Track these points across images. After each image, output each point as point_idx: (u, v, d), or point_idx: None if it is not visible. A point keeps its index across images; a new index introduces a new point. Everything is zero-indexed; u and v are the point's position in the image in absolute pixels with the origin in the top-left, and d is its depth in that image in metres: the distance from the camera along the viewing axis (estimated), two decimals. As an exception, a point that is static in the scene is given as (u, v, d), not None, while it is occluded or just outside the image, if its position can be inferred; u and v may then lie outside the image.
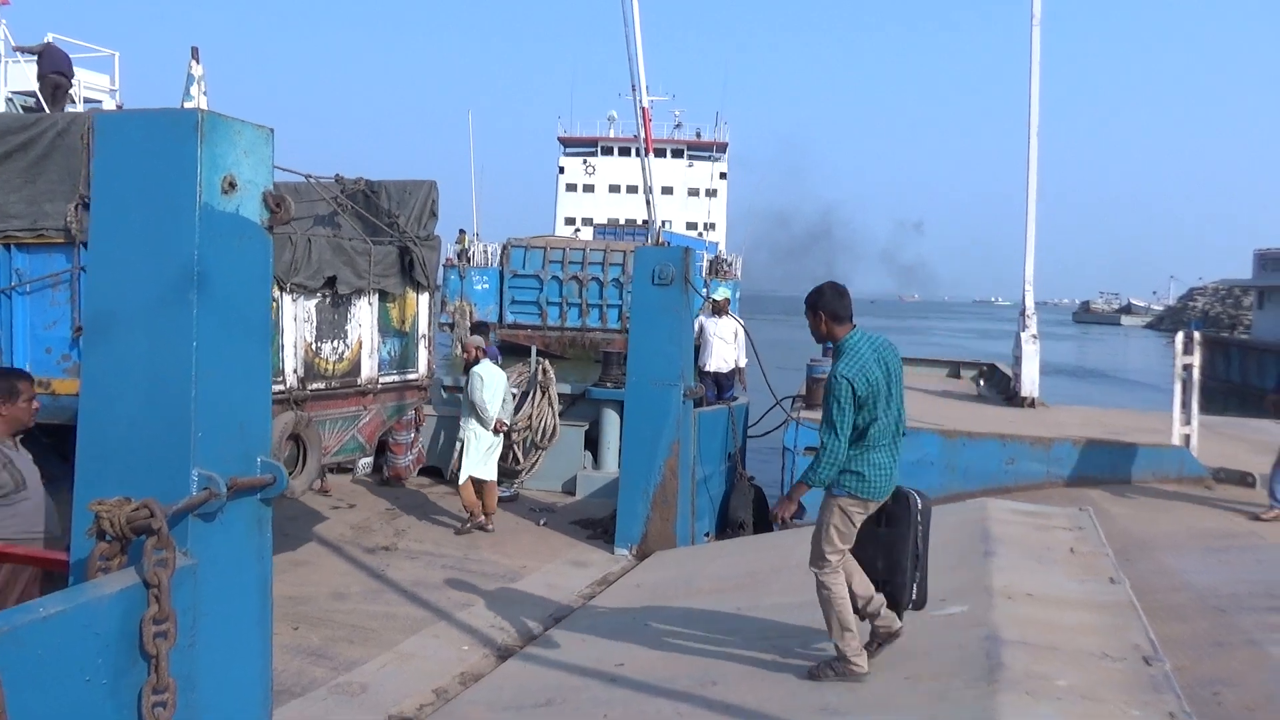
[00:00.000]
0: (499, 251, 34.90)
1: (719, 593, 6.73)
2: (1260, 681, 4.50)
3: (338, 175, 7.74)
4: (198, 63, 6.77)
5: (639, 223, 54.83)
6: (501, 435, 9.31)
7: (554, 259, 32.90)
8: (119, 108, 16.57)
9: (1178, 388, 9.35)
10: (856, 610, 4.59)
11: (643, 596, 7.14)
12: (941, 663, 4.44)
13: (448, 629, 6.54)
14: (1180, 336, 9.47)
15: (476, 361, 8.98)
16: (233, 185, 3.01)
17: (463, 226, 40.71)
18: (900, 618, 4.68)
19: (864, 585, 4.66)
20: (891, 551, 4.77)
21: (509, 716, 4.84)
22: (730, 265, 43.65)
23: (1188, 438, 9.26)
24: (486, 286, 32.83)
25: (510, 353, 10.71)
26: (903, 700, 4.10)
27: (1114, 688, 4.08)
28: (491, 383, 9.01)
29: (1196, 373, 9.34)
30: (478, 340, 9.24)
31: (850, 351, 4.74)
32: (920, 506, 4.87)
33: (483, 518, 9.09)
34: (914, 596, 4.76)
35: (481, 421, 8.98)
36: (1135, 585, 5.56)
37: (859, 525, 4.70)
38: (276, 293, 6.32)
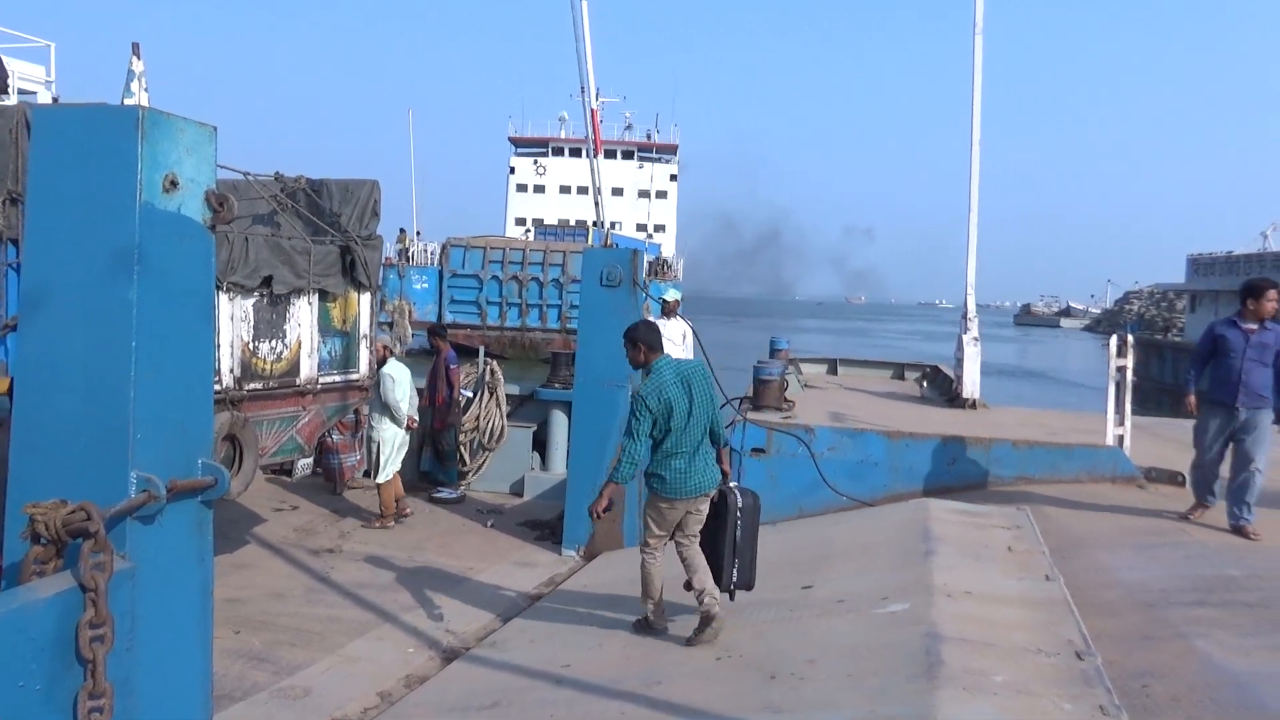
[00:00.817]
0: (439, 251, 34.78)
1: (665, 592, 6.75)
2: (1186, 673, 4.65)
3: (277, 173, 7.65)
4: (138, 58, 6.62)
5: (572, 224, 54.83)
6: (410, 432, 9.74)
7: (494, 259, 32.93)
8: (55, 100, 16.15)
9: (1111, 390, 9.58)
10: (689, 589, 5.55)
11: (590, 598, 7.15)
12: (883, 659, 4.52)
13: (393, 631, 6.50)
14: (1114, 340, 9.71)
15: (384, 361, 9.10)
16: (174, 184, 2.97)
17: (403, 225, 40.41)
18: (732, 597, 5.69)
19: (702, 578, 5.52)
20: (713, 541, 5.66)
21: (454, 719, 4.82)
22: (670, 267, 43.88)
23: (1121, 438, 9.49)
24: (426, 286, 32.67)
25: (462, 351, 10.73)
26: (845, 697, 4.17)
27: (1047, 682, 4.19)
28: (402, 381, 9.31)
29: (1130, 375, 9.58)
30: (385, 339, 9.49)
31: (655, 373, 5.61)
32: (741, 504, 5.69)
33: (408, 510, 9.52)
34: (734, 580, 5.65)
35: (395, 420, 9.29)
36: (1069, 582, 5.70)
37: (672, 518, 5.61)
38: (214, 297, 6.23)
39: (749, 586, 5.75)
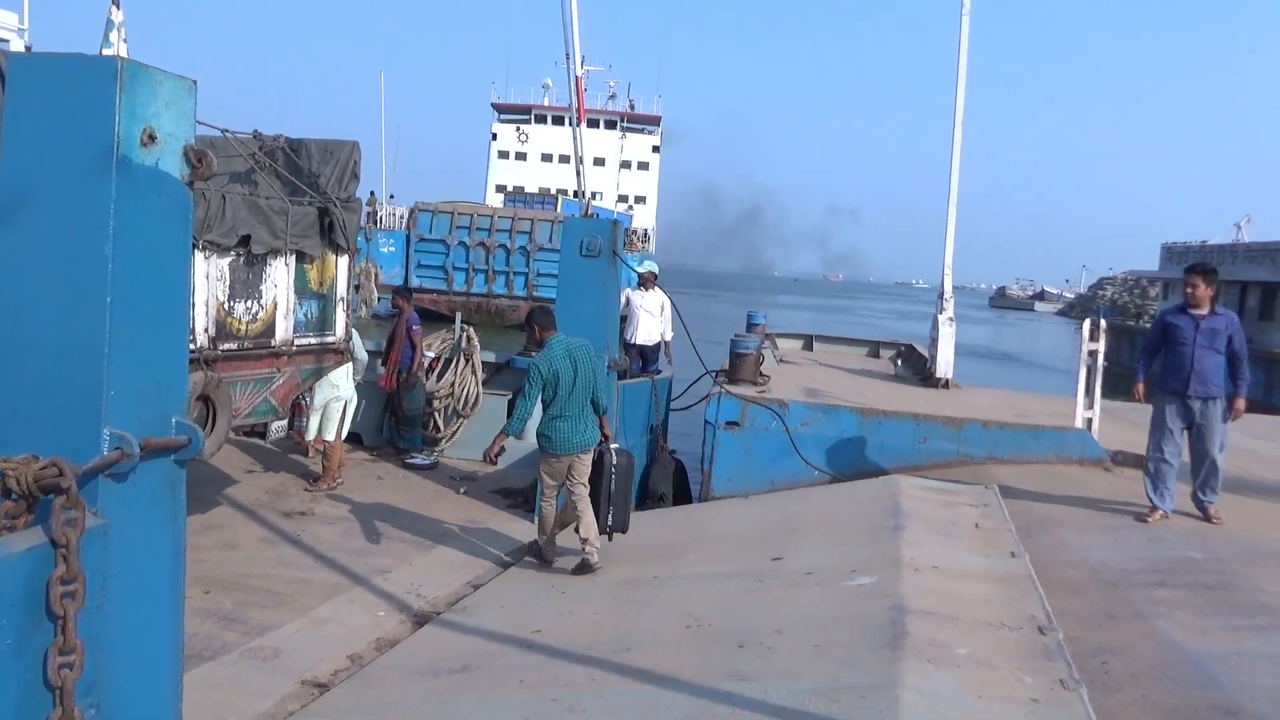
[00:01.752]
0: (407, 215, 34.57)
1: (637, 562, 6.82)
2: (1145, 651, 4.75)
3: (256, 132, 7.54)
4: (118, 8, 6.48)
5: (553, 192, 54.62)
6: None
7: (462, 224, 32.74)
8: (28, 49, 15.81)
9: (1082, 373, 9.70)
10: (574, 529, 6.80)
11: (562, 565, 7.20)
12: (850, 631, 4.59)
13: (364, 595, 6.52)
14: (1087, 324, 9.82)
15: None
16: (153, 138, 2.92)
17: (373, 189, 40.04)
18: (610, 537, 6.95)
19: (587, 528, 6.73)
20: (593, 492, 6.91)
21: (424, 682, 4.86)
22: (644, 238, 43.78)
23: (1090, 421, 9.63)
24: (393, 249, 32.49)
25: (429, 317, 10.72)
26: (811, 667, 4.24)
27: (1009, 656, 4.28)
28: (358, 341, 9.36)
29: (1101, 359, 9.70)
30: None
31: (547, 348, 6.81)
32: (615, 463, 6.97)
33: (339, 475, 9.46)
34: (609, 523, 6.92)
35: (344, 381, 9.27)
36: (1035, 560, 5.80)
37: (560, 469, 6.87)
38: (191, 254, 6.17)
39: (624, 529, 7.06)
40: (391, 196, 43.21)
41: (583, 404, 6.79)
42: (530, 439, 11.06)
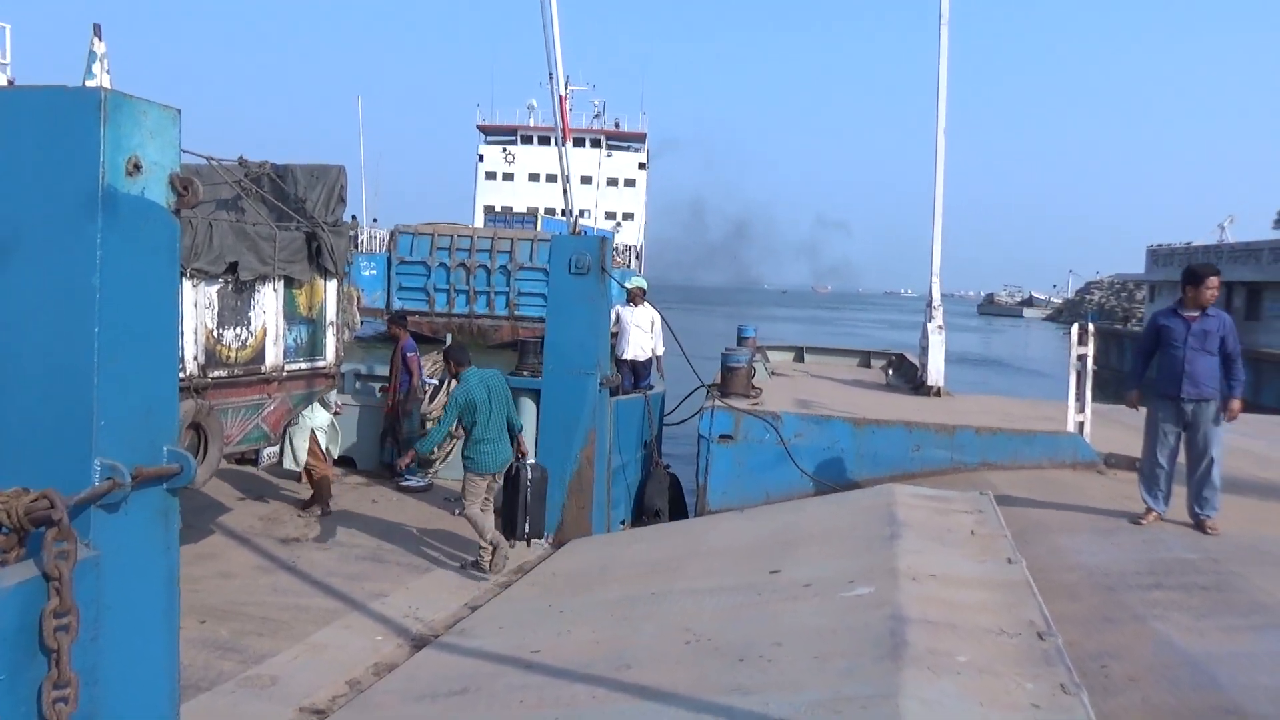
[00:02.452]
0: (387, 238, 34.66)
1: (634, 579, 6.80)
2: (1144, 654, 4.75)
3: (241, 158, 7.55)
4: (100, 39, 6.48)
5: (542, 212, 54.70)
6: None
7: (442, 246, 32.83)
8: (10, 83, 15.81)
9: (1072, 377, 9.73)
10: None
11: (559, 584, 7.18)
12: (849, 642, 4.57)
13: (361, 620, 6.48)
14: (1075, 329, 9.86)
15: None
16: (138, 167, 2.92)
17: (354, 213, 40.14)
18: (528, 544, 7.97)
19: (495, 536, 7.61)
20: (510, 502, 7.71)
21: (423, 706, 4.83)
22: (629, 254, 43.96)
23: (1081, 425, 9.66)
24: (374, 273, 32.52)
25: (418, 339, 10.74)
26: (811, 679, 4.22)
27: (1009, 662, 4.27)
28: None
29: (1090, 363, 9.73)
30: None
31: (463, 381, 7.66)
32: (530, 476, 7.74)
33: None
34: (526, 530, 7.73)
35: (325, 406, 9.17)
36: (1031, 565, 5.80)
37: (483, 486, 7.59)
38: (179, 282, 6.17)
39: (540, 535, 8.02)
40: (374, 220, 43.26)
41: (500, 428, 7.63)
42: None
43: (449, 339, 12.19)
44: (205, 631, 6.04)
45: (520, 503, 7.68)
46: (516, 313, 32.40)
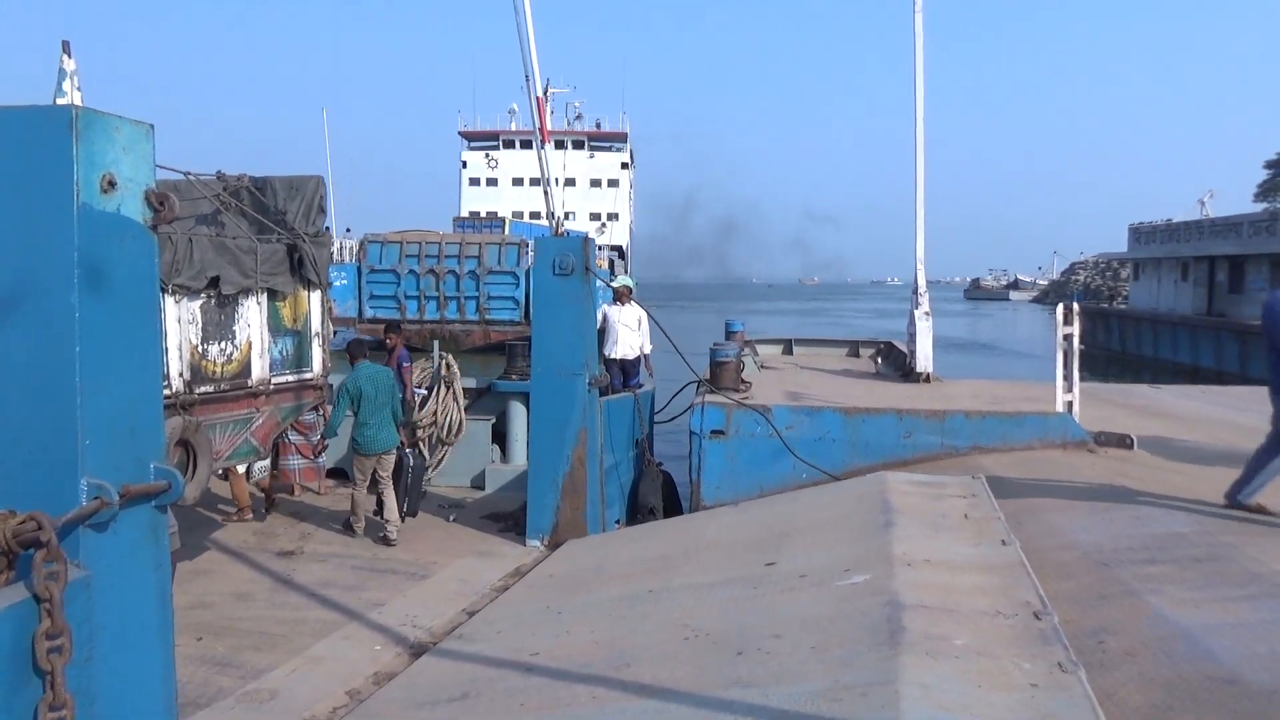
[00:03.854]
0: (356, 247, 34.82)
1: (631, 577, 6.80)
2: (1139, 628, 4.77)
3: (219, 172, 7.53)
4: (69, 57, 6.43)
5: (526, 216, 54.71)
6: None
7: (410, 253, 32.97)
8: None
9: (1060, 357, 9.77)
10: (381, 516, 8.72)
11: (555, 586, 7.17)
12: (846, 630, 4.58)
13: (359, 630, 6.46)
14: (1061, 309, 9.90)
15: None
16: (112, 184, 2.91)
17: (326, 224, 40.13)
18: (403, 520, 8.97)
19: (390, 513, 8.68)
20: (398, 485, 8.91)
21: (425, 712, 4.82)
22: (600, 254, 44.14)
23: (1070, 404, 9.70)
24: (345, 282, 32.59)
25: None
26: (811, 668, 4.23)
27: (1007, 643, 4.29)
28: None
29: (1077, 342, 9.77)
30: None
31: (354, 372, 8.72)
32: (410, 464, 9.20)
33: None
34: (405, 510, 9.05)
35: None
36: (1025, 546, 5.82)
37: (367, 466, 8.71)
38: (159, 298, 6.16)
39: (414, 514, 9.27)
40: (348, 230, 43.28)
41: (384, 418, 8.68)
42: (517, 459, 11.14)
43: (435, 346, 12.16)
44: (202, 648, 6.01)
45: (401, 486, 8.96)
46: (488, 317, 32.66)
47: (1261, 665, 4.16)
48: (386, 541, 8.56)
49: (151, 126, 3.11)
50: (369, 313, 32.15)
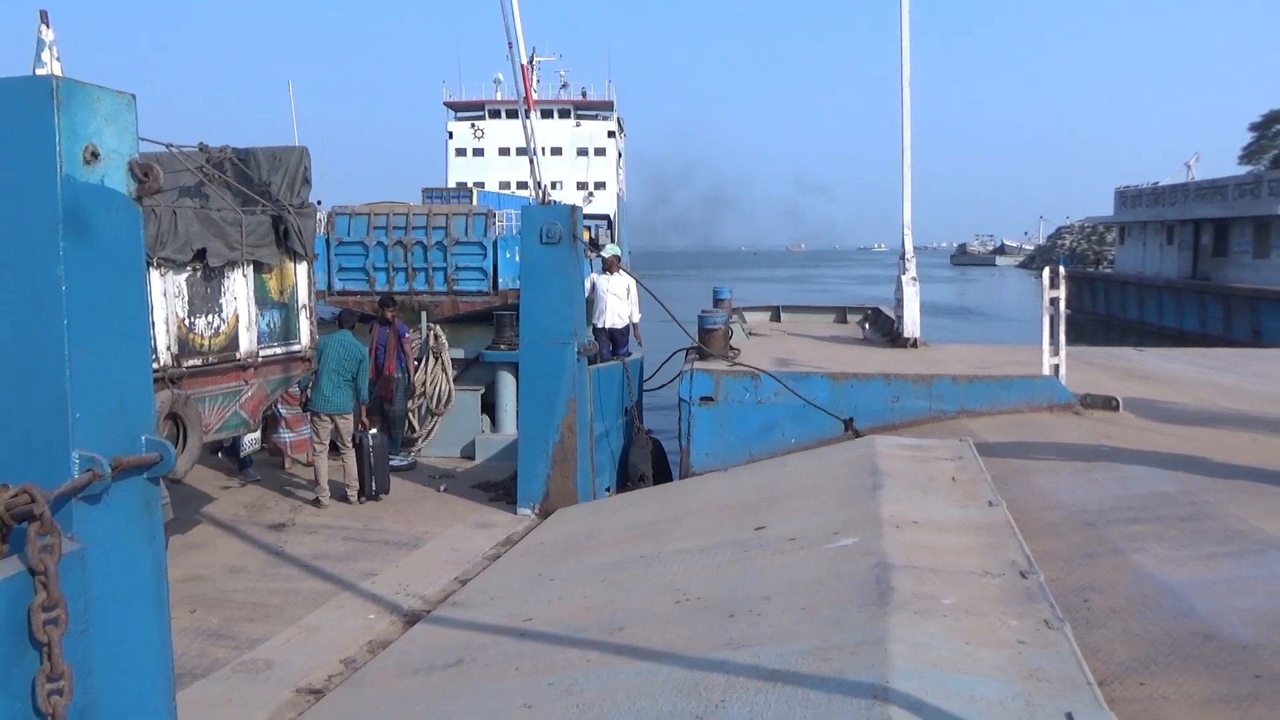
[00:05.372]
0: (324, 220, 34.80)
1: (623, 544, 6.85)
2: (1123, 585, 4.85)
3: (202, 144, 7.46)
4: (48, 27, 6.33)
5: (514, 186, 54.44)
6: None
7: (378, 225, 32.99)
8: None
9: (1046, 321, 9.83)
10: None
11: (547, 553, 7.22)
12: (836, 591, 4.64)
13: (352, 600, 6.51)
14: (1047, 272, 9.93)
15: None
16: (95, 155, 2.89)
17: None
18: (376, 498, 9.27)
19: (350, 480, 9.14)
20: (360, 466, 9.20)
21: (420, 679, 4.87)
22: (602, 230, 44.09)
23: (1057, 368, 9.77)
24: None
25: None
26: (801, 629, 4.28)
27: (993, 601, 4.35)
28: None
29: (1063, 306, 9.83)
30: None
31: (333, 334, 9.09)
32: (372, 444, 9.27)
33: None
34: (373, 488, 9.23)
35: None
36: (1012, 507, 5.89)
37: (322, 427, 9.09)
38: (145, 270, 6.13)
39: (386, 491, 9.35)
40: (319, 202, 43.08)
41: (338, 382, 8.97)
42: (507, 429, 11.16)
43: (423, 316, 12.16)
44: (196, 620, 6.05)
45: (364, 465, 9.19)
46: (456, 288, 32.73)
47: (1241, 619, 4.24)
48: (346, 500, 9.03)
49: (133, 97, 3.08)
50: (338, 285, 32.19)
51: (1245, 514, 5.79)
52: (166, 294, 6.52)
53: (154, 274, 6.34)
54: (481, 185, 56.70)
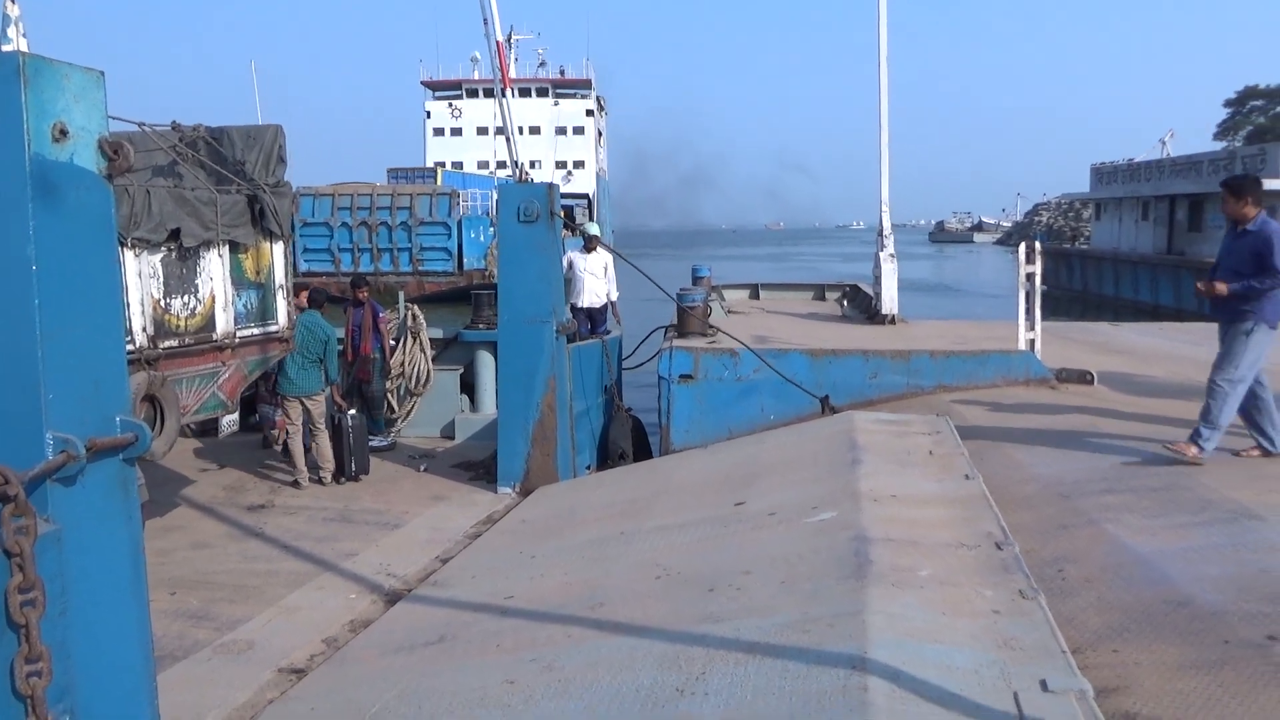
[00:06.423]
0: None
1: (603, 520, 6.88)
2: (1097, 555, 4.92)
3: (174, 123, 7.37)
4: (13, 2, 6.22)
5: (492, 166, 54.14)
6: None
7: (343, 205, 32.94)
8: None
9: (1021, 296, 9.91)
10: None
11: (528, 531, 7.24)
12: (814, 565, 4.69)
13: (333, 580, 6.50)
14: (1023, 248, 10.00)
15: None
16: (64, 133, 2.85)
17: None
18: (356, 479, 9.19)
19: (324, 462, 9.09)
20: (338, 446, 9.15)
21: (402, 657, 4.88)
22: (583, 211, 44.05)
23: (1032, 342, 9.85)
24: None
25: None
26: (779, 602, 4.33)
27: (969, 573, 4.41)
28: None
29: (1039, 281, 9.90)
30: None
31: (305, 314, 8.92)
32: (351, 425, 9.22)
33: None
34: (353, 469, 9.17)
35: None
36: (988, 480, 5.95)
37: (292, 409, 9.00)
38: (118, 249, 6.07)
39: (365, 471, 9.31)
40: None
41: (305, 363, 8.87)
42: (486, 408, 11.15)
43: (400, 296, 12.11)
44: (176, 602, 6.03)
45: (344, 445, 9.13)
46: (421, 269, 32.65)
47: (1213, 586, 4.31)
48: (320, 481, 8.99)
49: (102, 73, 3.05)
50: (303, 266, 32.13)
51: (1217, 484, 5.88)
52: (141, 275, 6.45)
53: (128, 255, 6.28)
54: (460, 166, 56.38)
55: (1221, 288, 6.35)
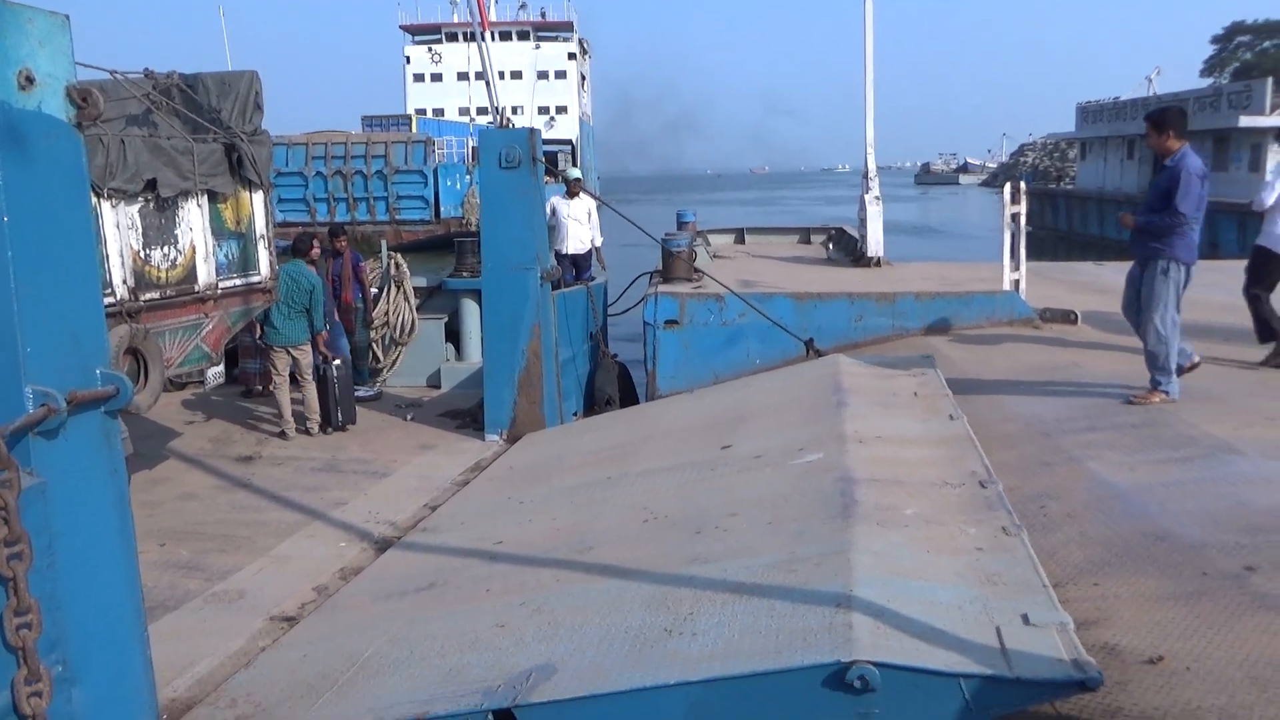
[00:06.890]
0: None
1: (590, 466, 6.92)
2: (1078, 491, 4.99)
3: (147, 70, 7.21)
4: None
5: (473, 112, 53.41)
6: None
7: (317, 155, 32.57)
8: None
9: (1006, 237, 9.91)
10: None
11: (516, 477, 7.27)
12: (800, 506, 4.73)
13: (323, 529, 6.54)
14: (1007, 188, 9.97)
15: None
16: (30, 80, 2.79)
17: None
18: (343, 428, 9.25)
19: (310, 411, 9.10)
20: (323, 396, 9.17)
21: (393, 603, 4.92)
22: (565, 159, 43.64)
23: (1017, 283, 9.88)
24: None
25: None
26: (766, 543, 4.37)
27: (953, 511, 4.46)
28: None
29: (1024, 222, 9.89)
30: None
31: (290, 264, 8.95)
32: (336, 375, 9.20)
33: None
34: (339, 419, 9.21)
35: None
36: (972, 420, 6.00)
37: (279, 359, 8.94)
38: (94, 200, 5.97)
39: (352, 421, 9.32)
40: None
41: (289, 314, 8.83)
42: (472, 357, 11.14)
43: (384, 245, 12.01)
44: (165, 554, 6.05)
45: (329, 394, 9.13)
46: (398, 217, 32.37)
47: (1191, 520, 4.38)
48: (307, 432, 9.01)
49: (66, 17, 2.97)
50: (278, 217, 31.74)
51: (1195, 420, 5.95)
52: (120, 226, 6.37)
53: (105, 206, 6.19)
54: (441, 112, 55.56)
55: (1129, 220, 6.52)
